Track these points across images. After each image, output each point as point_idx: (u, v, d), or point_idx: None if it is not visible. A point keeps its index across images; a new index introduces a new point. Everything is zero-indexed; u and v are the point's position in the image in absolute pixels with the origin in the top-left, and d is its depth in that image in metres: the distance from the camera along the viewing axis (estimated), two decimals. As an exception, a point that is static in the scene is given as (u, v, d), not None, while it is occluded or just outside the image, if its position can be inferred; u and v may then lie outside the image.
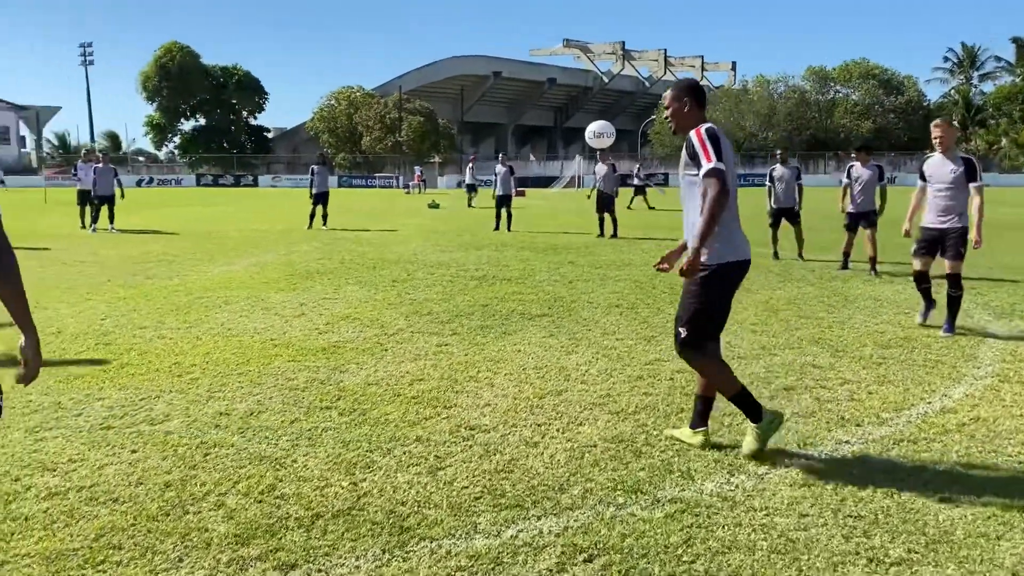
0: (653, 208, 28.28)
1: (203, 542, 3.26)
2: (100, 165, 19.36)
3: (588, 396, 5.32)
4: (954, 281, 7.08)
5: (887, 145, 65.98)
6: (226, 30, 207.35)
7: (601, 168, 18.37)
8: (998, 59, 75.47)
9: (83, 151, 24.72)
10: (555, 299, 9.07)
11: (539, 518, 3.52)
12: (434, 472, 4.02)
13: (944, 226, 7.03)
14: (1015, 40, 71.80)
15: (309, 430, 4.62)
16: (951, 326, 7.11)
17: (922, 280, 7.36)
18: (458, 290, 9.72)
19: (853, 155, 11.74)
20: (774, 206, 13.17)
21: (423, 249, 14.68)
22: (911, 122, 69.96)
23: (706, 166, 3.92)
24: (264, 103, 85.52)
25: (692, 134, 4.02)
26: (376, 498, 3.70)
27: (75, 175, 20.26)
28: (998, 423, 4.76)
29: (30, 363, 2.56)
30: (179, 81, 77.11)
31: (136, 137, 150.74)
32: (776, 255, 12.74)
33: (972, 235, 6.96)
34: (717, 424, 4.70)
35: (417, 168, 54.44)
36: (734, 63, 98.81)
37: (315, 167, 20.12)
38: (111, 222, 18.99)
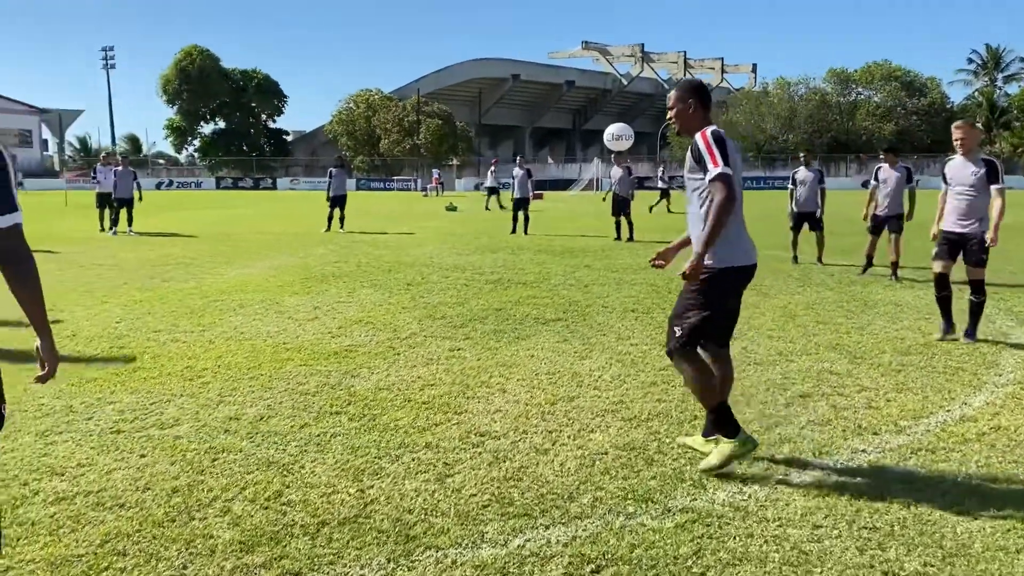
0: (671, 212, 28.13)
1: (208, 549, 3.24)
2: (119, 168, 19.52)
3: (600, 402, 5.27)
4: (976, 287, 6.95)
5: (909, 147, 65.31)
6: (246, 34, 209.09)
7: (616, 171, 18.30)
8: (1023, 60, 74.65)
9: (102, 154, 24.95)
10: (570, 303, 9.01)
11: (547, 527, 3.47)
12: (442, 479, 3.98)
13: (965, 230, 6.86)
14: (1040, 41, 70.85)
15: (318, 435, 4.60)
16: (973, 332, 6.99)
17: (943, 286, 7.06)
18: (472, 294, 9.68)
19: (881, 156, 11.51)
20: (795, 209, 12.96)
21: (439, 252, 14.67)
22: (934, 124, 69.29)
23: (713, 171, 3.85)
24: (283, 106, 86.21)
25: (698, 137, 3.96)
26: (383, 505, 3.66)
27: (94, 178, 20.44)
28: (1020, 432, 4.65)
29: (47, 364, 2.63)
30: (199, 84, 77.80)
31: (156, 140, 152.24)
32: (795, 259, 12.60)
33: (988, 235, 6.78)
34: (731, 432, 4.62)
35: (435, 171, 54.55)
36: (754, 65, 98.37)
37: (333, 170, 20.17)
38: (129, 225, 19.13)
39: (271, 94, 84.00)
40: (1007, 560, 3.17)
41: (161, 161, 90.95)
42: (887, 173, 11.10)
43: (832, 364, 6.23)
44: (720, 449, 4.04)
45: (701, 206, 3.98)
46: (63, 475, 4.00)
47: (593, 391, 5.53)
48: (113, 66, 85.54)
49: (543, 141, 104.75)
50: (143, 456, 4.26)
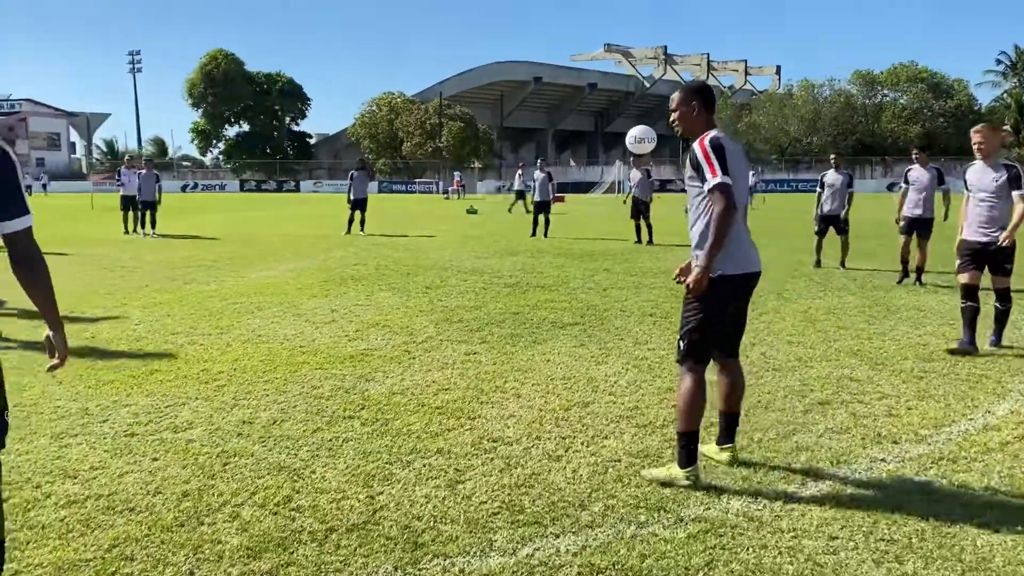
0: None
1: (215, 555, 3.23)
2: (143, 171, 19.72)
3: (615, 408, 5.21)
4: (1003, 295, 6.77)
5: (937, 150, 64.51)
6: (270, 38, 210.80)
7: (636, 174, 18.22)
8: (1053, 62, 73.44)
9: (127, 157, 25.21)
10: (588, 307, 8.95)
11: (557, 536, 3.42)
12: (453, 486, 3.94)
13: (987, 239, 6.59)
14: (1071, 42, 69.77)
15: (330, 440, 4.58)
16: (998, 338, 6.84)
17: (970, 295, 6.73)
18: (490, 297, 9.65)
19: (915, 155, 11.20)
20: (822, 212, 12.75)
21: (458, 255, 14.65)
22: (961, 127, 68.27)
23: (711, 181, 3.78)
24: (306, 109, 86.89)
25: (696, 145, 3.89)
26: (392, 512, 3.64)
27: (118, 181, 20.66)
28: (1044, 442, 4.55)
29: (59, 354, 2.73)
30: (224, 88, 78.55)
31: (182, 143, 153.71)
32: (818, 263, 12.44)
33: (1003, 235, 6.47)
34: (747, 440, 4.56)
35: (456, 174, 54.65)
36: (778, 67, 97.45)
37: (354, 173, 20.24)
38: (153, 227, 19.31)
39: (294, 97, 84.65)
40: (1029, 575, 3.09)
41: (186, 163, 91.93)
42: (918, 174, 10.81)
43: (852, 370, 6.13)
44: (670, 471, 3.97)
45: (702, 214, 3.91)
46: (76, 478, 4.01)
47: (608, 397, 5.48)
48: (140, 70, 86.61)
49: (565, 144, 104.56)
50: (155, 460, 4.27)
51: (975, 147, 6.66)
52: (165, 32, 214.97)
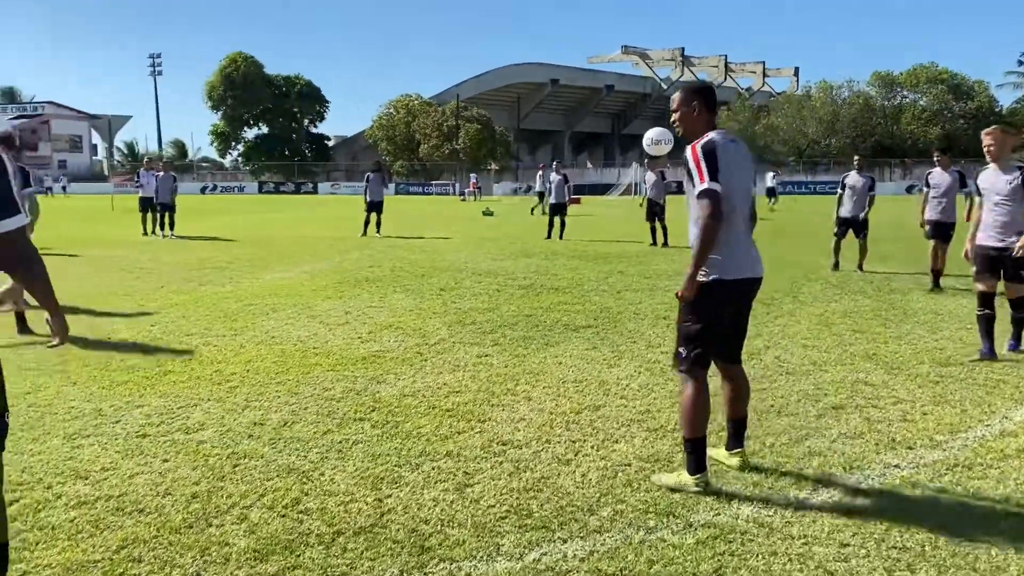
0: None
1: (222, 557, 3.23)
2: (160, 174, 19.88)
3: (627, 412, 5.18)
4: (1018, 303, 6.64)
5: (957, 152, 63.81)
6: (289, 40, 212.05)
7: (651, 176, 18.15)
8: (1076, 62, 72.59)
9: (145, 159, 25.40)
10: (601, 309, 8.92)
11: (565, 541, 3.40)
12: (461, 489, 3.93)
13: (1003, 244, 6.41)
14: (1094, 42, 68.79)
15: (340, 442, 4.58)
16: (1017, 343, 6.73)
17: (987, 303, 6.60)
18: (504, 299, 9.64)
19: (936, 157, 10.94)
20: (841, 215, 12.58)
21: (473, 257, 14.65)
22: (982, 129, 67.45)
23: (699, 187, 3.75)
24: (325, 112, 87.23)
25: (688, 150, 3.84)
26: (400, 515, 3.63)
27: (137, 183, 20.83)
28: (1062, 449, 4.47)
29: (59, 336, 2.80)
30: (243, 90, 79.04)
31: (202, 145, 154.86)
32: (836, 265, 12.31)
33: (1019, 243, 6.31)
34: (759, 445, 4.52)
35: (473, 176, 54.71)
36: (796, 69, 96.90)
37: (370, 175, 20.26)
38: (171, 228, 19.45)
39: (313, 100, 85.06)
40: (1044, 585, 3.04)
41: (205, 165, 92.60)
42: (939, 177, 10.59)
43: (867, 375, 6.07)
44: (680, 477, 3.94)
45: (698, 218, 3.85)
46: (87, 479, 4.03)
47: (620, 400, 5.45)
48: (160, 72, 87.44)
49: (582, 145, 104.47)
50: (166, 461, 4.29)
51: (986, 149, 6.51)
52: (185, 35, 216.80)
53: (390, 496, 3.84)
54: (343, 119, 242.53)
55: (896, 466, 4.25)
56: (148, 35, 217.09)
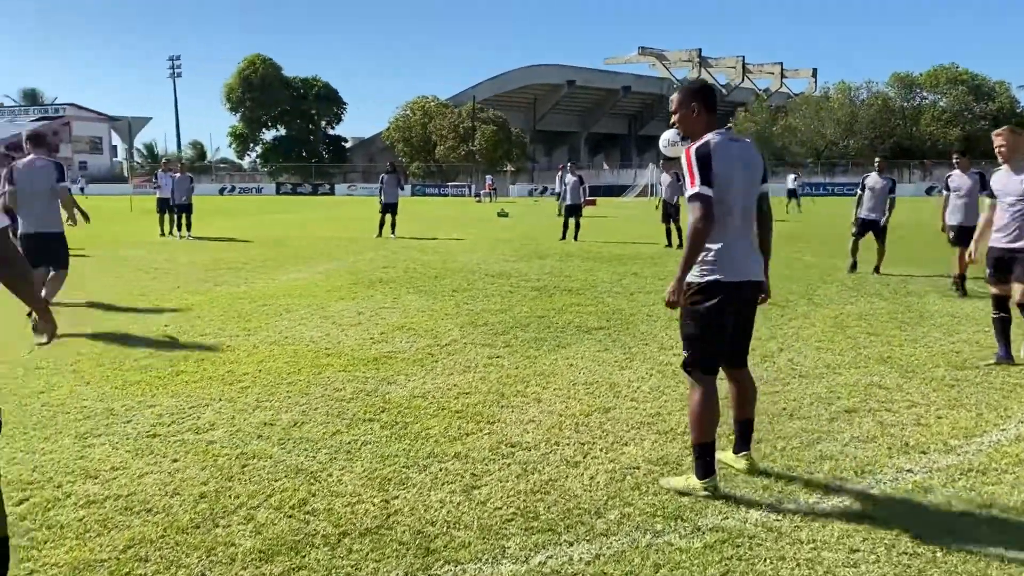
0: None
1: (227, 557, 3.24)
2: (177, 175, 20.02)
3: (637, 414, 5.16)
4: None
5: (977, 154, 63.27)
6: (307, 43, 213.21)
7: (665, 177, 18.09)
8: (1099, 62, 71.68)
9: (163, 160, 25.59)
10: (614, 311, 8.89)
11: (571, 544, 3.38)
12: (468, 491, 3.92)
13: (1016, 245, 6.29)
14: (1118, 42, 67.86)
15: (349, 443, 4.59)
16: (1031, 347, 6.63)
17: (1002, 306, 6.50)
18: (517, 301, 9.63)
19: (955, 159, 10.79)
20: (860, 216, 12.45)
21: (487, 258, 14.65)
22: (1003, 130, 66.91)
23: (689, 191, 3.74)
24: (342, 113, 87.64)
25: (683, 154, 3.82)
26: (406, 517, 3.62)
27: (155, 184, 20.99)
28: (1079, 454, 4.41)
29: (48, 334, 2.89)
30: (261, 93, 79.53)
31: (220, 146, 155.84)
32: (854, 266, 12.19)
33: None
34: (770, 448, 4.49)
35: (488, 177, 54.74)
36: (815, 70, 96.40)
37: (384, 176, 20.32)
38: (188, 229, 19.58)
39: (330, 101, 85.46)
40: (1057, 593, 2.99)
41: (224, 166, 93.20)
42: (959, 180, 10.39)
43: (881, 378, 6.01)
44: (689, 481, 3.91)
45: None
46: (96, 478, 4.06)
47: (630, 402, 5.43)
48: (180, 75, 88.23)
49: (598, 147, 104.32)
50: (175, 461, 4.30)
51: (997, 150, 6.41)
52: (204, 38, 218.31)
53: (397, 497, 3.84)
54: (360, 121, 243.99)
55: (909, 471, 4.20)
56: (167, 38, 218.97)
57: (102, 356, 6.70)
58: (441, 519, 3.60)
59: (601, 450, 4.50)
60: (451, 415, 5.12)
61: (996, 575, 3.11)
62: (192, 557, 3.24)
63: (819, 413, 5.16)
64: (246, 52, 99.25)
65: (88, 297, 9.56)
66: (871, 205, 12.34)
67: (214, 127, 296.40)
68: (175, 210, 19.82)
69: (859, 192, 12.62)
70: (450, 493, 3.89)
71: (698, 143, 3.81)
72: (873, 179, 12.41)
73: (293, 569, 3.15)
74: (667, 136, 9.77)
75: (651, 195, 51.14)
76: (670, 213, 17.22)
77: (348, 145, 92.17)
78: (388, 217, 19.77)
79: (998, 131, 6.51)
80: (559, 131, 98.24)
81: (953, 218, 10.45)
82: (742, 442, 4.15)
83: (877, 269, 12.07)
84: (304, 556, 3.25)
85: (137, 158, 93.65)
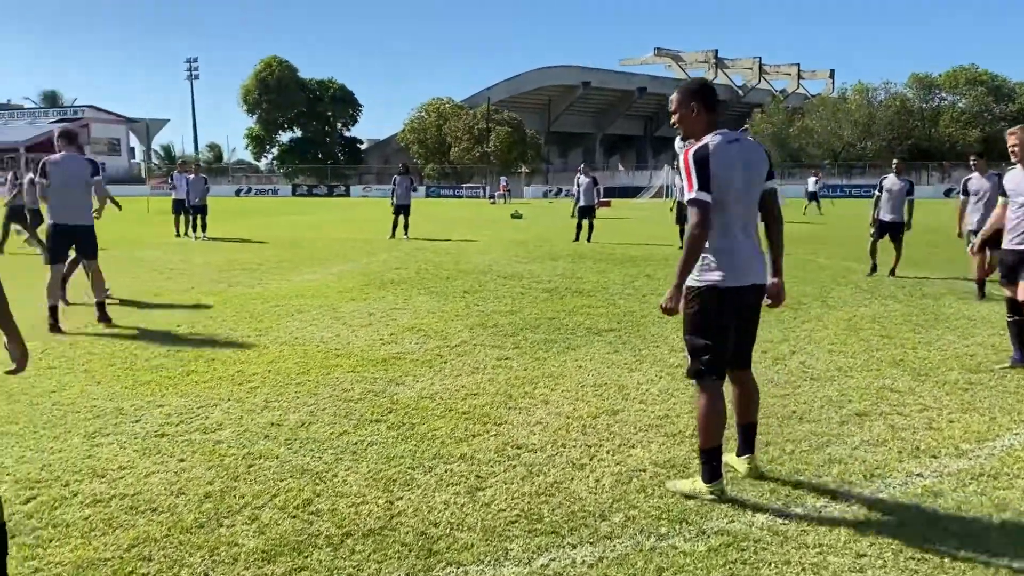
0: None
1: (230, 557, 3.24)
2: (192, 176, 20.15)
3: (645, 417, 5.13)
4: None
5: (996, 155, 62.60)
6: (323, 45, 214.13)
7: (678, 179, 18.01)
8: (1121, 63, 70.81)
9: (179, 162, 25.77)
10: (625, 313, 8.86)
11: (574, 546, 3.36)
12: (473, 492, 3.91)
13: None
14: None
15: (355, 443, 4.59)
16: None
17: (1016, 309, 6.38)
18: (527, 302, 9.61)
19: (972, 162, 10.64)
20: (878, 218, 12.36)
21: (499, 260, 14.64)
22: (1023, 131, 66.15)
23: (687, 195, 3.71)
24: (358, 115, 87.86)
25: (681, 156, 3.79)
26: (410, 518, 3.62)
27: (171, 185, 21.13)
28: (1093, 459, 4.34)
29: (17, 362, 2.83)
30: (278, 95, 79.85)
31: (237, 148, 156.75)
32: (874, 268, 12.05)
33: None
34: (778, 452, 4.45)
35: (502, 178, 54.77)
36: (832, 71, 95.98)
37: (396, 177, 20.36)
38: (203, 230, 19.70)
39: (346, 103, 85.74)
40: (1067, 600, 2.94)
41: (240, 168, 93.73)
42: (978, 184, 10.21)
43: (894, 381, 5.95)
44: (695, 484, 3.87)
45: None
46: (103, 477, 4.07)
47: (638, 405, 5.40)
48: (197, 77, 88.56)
49: (613, 148, 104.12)
50: (182, 460, 4.32)
51: (1011, 150, 6.31)
52: (222, 40, 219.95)
53: (401, 498, 3.83)
54: (375, 123, 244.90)
55: (919, 475, 4.15)
56: (185, 40, 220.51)
57: (114, 356, 6.74)
58: (445, 520, 3.59)
59: (608, 452, 4.48)
60: (458, 416, 5.11)
61: (1005, 581, 3.07)
62: (195, 556, 3.25)
63: (829, 416, 5.12)
64: (263, 54, 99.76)
65: (119, 296, 9.77)
66: (889, 207, 12.24)
67: (231, 129, 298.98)
68: (190, 211, 19.97)
69: (876, 194, 12.53)
70: (454, 494, 3.88)
71: (696, 146, 3.75)
72: (891, 181, 12.31)
73: (295, 569, 3.15)
74: (682, 137, 9.65)
75: (666, 196, 51.01)
76: (684, 215, 17.14)
77: (363, 147, 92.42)
78: (401, 218, 19.82)
79: (1012, 130, 6.40)
80: (574, 132, 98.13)
81: (976, 222, 10.21)
82: (745, 445, 4.11)
83: (893, 271, 11.97)
84: (307, 556, 3.25)
85: (155, 160, 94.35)
